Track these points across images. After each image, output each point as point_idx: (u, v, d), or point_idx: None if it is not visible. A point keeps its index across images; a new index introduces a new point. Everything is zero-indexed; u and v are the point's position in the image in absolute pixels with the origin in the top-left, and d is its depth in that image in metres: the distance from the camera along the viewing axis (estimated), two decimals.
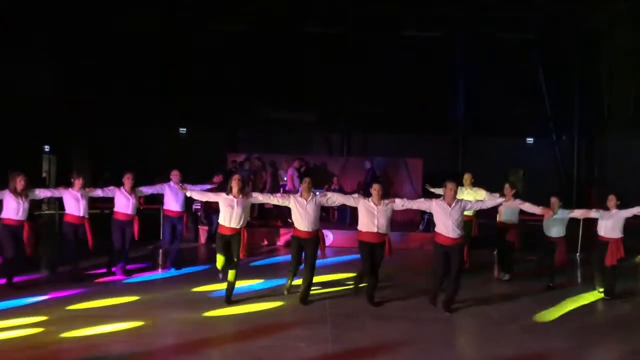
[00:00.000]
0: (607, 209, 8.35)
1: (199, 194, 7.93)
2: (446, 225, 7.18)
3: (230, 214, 7.28)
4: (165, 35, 17.84)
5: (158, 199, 10.12)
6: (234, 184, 7.34)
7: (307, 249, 7.55)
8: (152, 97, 17.69)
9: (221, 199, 7.39)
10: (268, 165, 15.60)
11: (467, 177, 9.64)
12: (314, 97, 18.40)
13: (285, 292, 7.98)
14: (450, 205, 7.20)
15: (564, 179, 18.94)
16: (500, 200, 8.05)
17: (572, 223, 9.29)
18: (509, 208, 9.08)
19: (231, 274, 7.41)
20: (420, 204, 7.52)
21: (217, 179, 10.46)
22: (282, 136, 18.45)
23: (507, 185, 8.99)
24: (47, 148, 18.19)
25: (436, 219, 7.34)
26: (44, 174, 18.06)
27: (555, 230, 8.84)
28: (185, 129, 19.76)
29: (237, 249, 7.31)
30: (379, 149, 18.32)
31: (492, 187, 9.39)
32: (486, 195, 9.15)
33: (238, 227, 7.32)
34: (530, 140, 19.70)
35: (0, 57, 13.70)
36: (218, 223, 7.59)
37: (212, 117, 18.66)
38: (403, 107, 18.46)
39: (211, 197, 7.75)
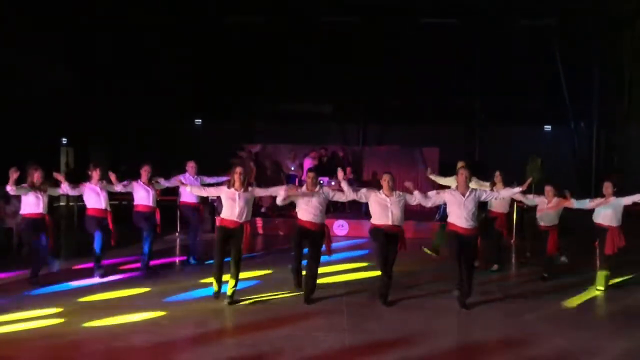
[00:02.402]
0: (603, 196, 8.10)
1: (199, 190, 7.74)
2: (459, 216, 6.92)
3: (233, 207, 6.98)
4: (181, 28, 17.86)
5: (174, 190, 10.15)
6: (236, 178, 7.03)
7: (310, 242, 7.14)
8: (168, 89, 17.72)
9: (222, 192, 7.14)
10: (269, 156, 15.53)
11: (459, 164, 9.50)
12: (330, 88, 18.31)
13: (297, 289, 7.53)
14: (464, 195, 6.96)
15: (582, 168, 18.69)
16: (517, 189, 7.59)
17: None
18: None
19: (231, 283, 7.08)
20: (435, 199, 7.20)
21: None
22: (298, 127, 18.39)
23: (497, 173, 8.93)
24: (64, 140, 18.32)
25: (449, 209, 7.10)
26: (63, 167, 18.21)
27: (547, 219, 8.64)
28: (200, 121, 19.77)
29: (239, 244, 7.03)
30: (395, 139, 18.21)
31: (509, 176, 9.24)
32: (476, 184, 9.04)
33: (241, 220, 7.03)
34: (548, 128, 19.42)
35: (18, 52, 13.83)
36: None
37: (228, 108, 18.65)
38: (419, 97, 18.31)
39: (212, 192, 7.59)
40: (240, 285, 7.28)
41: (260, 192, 7.62)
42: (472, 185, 8.72)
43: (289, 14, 17.76)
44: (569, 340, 6.07)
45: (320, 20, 18.02)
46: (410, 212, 8.37)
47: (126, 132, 17.99)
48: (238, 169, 7.10)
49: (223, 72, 18.01)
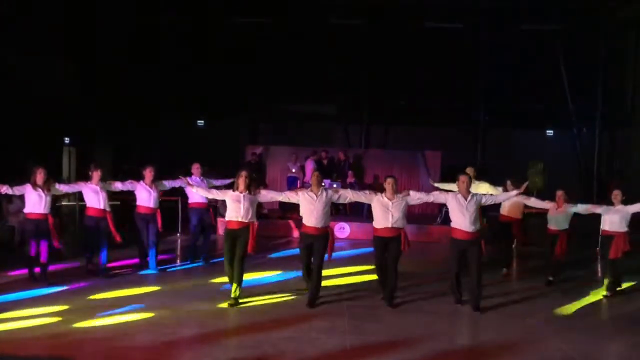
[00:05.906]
0: (611, 204, 8.18)
1: (205, 191, 7.75)
2: (462, 219, 7.04)
3: (237, 209, 7.04)
4: (184, 28, 17.90)
5: (178, 191, 10.13)
6: (240, 181, 7.14)
7: (315, 246, 7.14)
8: (171, 90, 17.75)
9: (227, 196, 7.21)
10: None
11: (469, 171, 9.57)
12: (334, 89, 18.33)
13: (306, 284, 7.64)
14: (466, 199, 7.09)
15: (584, 172, 18.68)
16: (513, 193, 7.76)
17: (595, 217, 9.20)
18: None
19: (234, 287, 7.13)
20: (437, 196, 7.32)
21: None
22: (301, 128, 18.40)
23: (508, 182, 9.03)
24: (67, 140, 18.32)
25: (452, 213, 7.20)
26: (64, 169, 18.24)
27: (558, 223, 8.67)
28: (202, 121, 19.75)
29: (245, 244, 7.02)
30: (398, 141, 18.24)
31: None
32: (490, 189, 9.06)
33: (247, 221, 7.06)
34: (550, 132, 19.42)
35: (20, 52, 13.87)
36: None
37: (230, 109, 18.67)
38: (423, 99, 18.34)
39: (217, 195, 7.51)
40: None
41: (266, 197, 7.51)
42: (486, 190, 8.85)
43: (293, 15, 17.77)
44: (570, 344, 6.07)
45: (325, 21, 18.04)
46: (411, 216, 8.41)
47: (129, 132, 18.00)
48: (243, 173, 7.18)
49: (226, 73, 18.01)
